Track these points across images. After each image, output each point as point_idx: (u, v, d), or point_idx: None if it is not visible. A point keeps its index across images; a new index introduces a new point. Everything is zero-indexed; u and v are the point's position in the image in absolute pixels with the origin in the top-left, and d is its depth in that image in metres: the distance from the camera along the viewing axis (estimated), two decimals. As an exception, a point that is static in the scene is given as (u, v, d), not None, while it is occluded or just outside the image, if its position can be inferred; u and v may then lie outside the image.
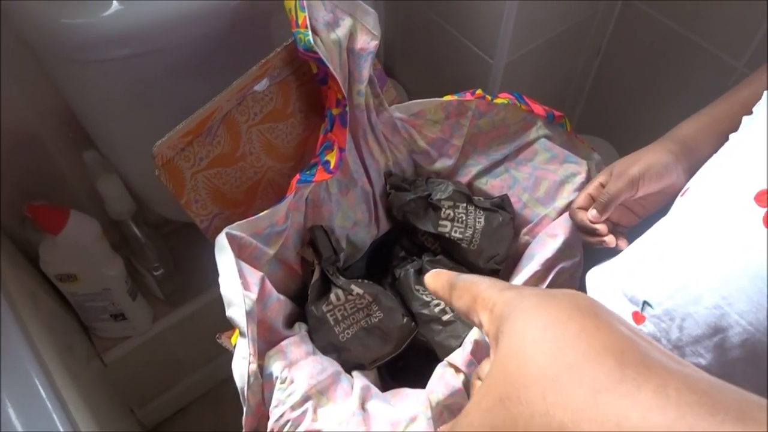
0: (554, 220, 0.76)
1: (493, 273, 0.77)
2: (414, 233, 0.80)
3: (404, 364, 0.75)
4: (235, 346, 0.56)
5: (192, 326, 1.14)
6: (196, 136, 0.61)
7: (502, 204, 0.77)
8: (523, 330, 0.25)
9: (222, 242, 0.59)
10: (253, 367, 0.54)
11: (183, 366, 1.25)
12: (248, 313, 0.55)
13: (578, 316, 0.25)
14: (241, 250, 0.61)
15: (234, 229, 0.61)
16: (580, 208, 0.64)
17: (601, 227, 0.61)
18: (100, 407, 1.00)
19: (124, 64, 0.71)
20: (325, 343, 0.67)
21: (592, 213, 0.61)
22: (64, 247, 0.86)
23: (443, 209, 0.75)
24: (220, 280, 0.57)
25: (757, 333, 0.43)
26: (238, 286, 0.55)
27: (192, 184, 0.62)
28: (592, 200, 0.63)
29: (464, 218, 0.75)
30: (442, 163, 0.80)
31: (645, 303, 0.51)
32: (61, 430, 0.67)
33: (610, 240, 0.61)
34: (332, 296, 0.66)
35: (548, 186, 0.78)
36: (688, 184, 0.55)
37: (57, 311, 0.96)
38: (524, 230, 0.79)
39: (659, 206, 0.62)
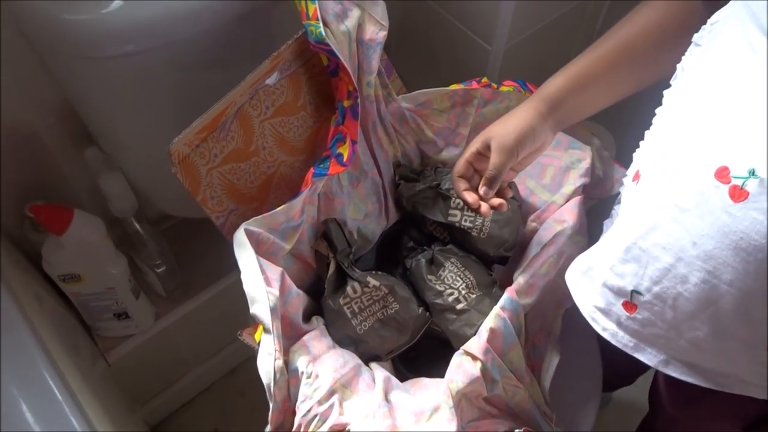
0: (561, 206, 0.77)
1: (503, 260, 0.78)
2: (422, 223, 0.80)
3: (416, 354, 0.76)
4: (259, 343, 0.56)
5: (194, 322, 1.13)
6: (211, 131, 0.61)
7: (509, 191, 0.77)
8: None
9: (241, 238, 0.59)
10: (279, 363, 0.55)
11: (186, 361, 1.25)
12: (272, 310, 0.55)
13: None
14: (258, 246, 0.61)
15: (251, 224, 0.61)
16: (460, 176, 0.66)
17: (472, 201, 0.63)
18: (108, 406, 1.00)
19: (127, 61, 0.70)
20: (342, 336, 0.67)
21: (484, 190, 0.63)
22: (68, 247, 0.85)
23: (452, 198, 0.75)
24: (243, 276, 0.57)
25: (747, 297, 0.45)
26: (261, 283, 0.55)
27: (207, 180, 0.62)
28: (471, 167, 0.66)
29: (474, 207, 0.75)
30: (449, 153, 0.81)
31: (633, 292, 0.52)
32: (80, 430, 0.66)
33: (484, 210, 0.64)
34: (349, 289, 0.66)
35: (554, 172, 0.79)
36: (637, 168, 0.56)
37: (61, 312, 0.95)
38: (531, 217, 0.80)
39: (532, 162, 0.67)
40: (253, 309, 0.56)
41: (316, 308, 0.70)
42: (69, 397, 0.69)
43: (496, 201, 0.65)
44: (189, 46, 0.73)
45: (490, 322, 0.67)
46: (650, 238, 0.50)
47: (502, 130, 0.63)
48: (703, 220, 0.46)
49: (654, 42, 0.61)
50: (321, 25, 0.62)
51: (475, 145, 0.65)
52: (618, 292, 0.54)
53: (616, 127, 1.20)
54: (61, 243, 0.84)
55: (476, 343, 0.66)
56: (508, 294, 0.69)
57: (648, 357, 0.54)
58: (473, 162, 0.66)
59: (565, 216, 0.75)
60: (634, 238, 0.51)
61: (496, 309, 0.68)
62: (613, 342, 0.56)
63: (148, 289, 1.09)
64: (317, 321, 0.67)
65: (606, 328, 0.56)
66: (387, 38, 1.20)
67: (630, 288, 0.52)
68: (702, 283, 0.47)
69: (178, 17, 0.69)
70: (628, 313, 0.54)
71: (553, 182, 0.79)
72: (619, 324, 0.55)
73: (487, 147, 0.64)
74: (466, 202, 0.64)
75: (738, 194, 0.43)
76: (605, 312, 0.56)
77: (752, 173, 0.42)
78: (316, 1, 0.62)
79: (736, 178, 0.43)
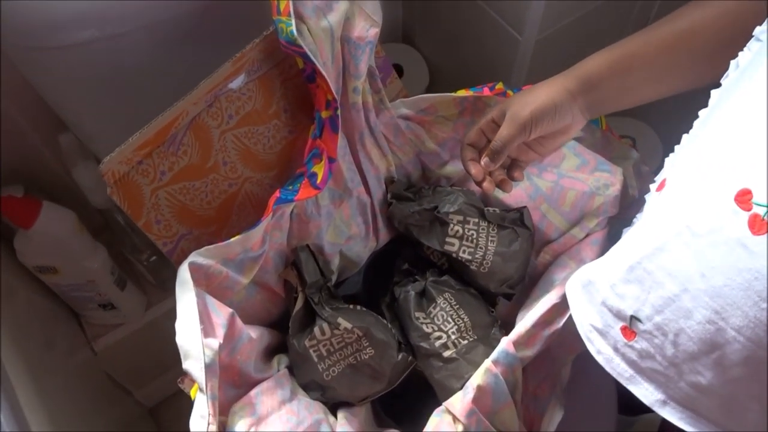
0: (581, 241, 0.66)
1: (506, 297, 0.68)
2: (418, 245, 0.70)
3: (400, 392, 0.67)
4: (194, 401, 0.48)
5: (189, 310, 1.08)
6: (156, 146, 0.52)
7: (520, 219, 0.66)
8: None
9: (184, 276, 0.50)
10: (213, 428, 0.47)
11: (182, 348, 1.20)
12: (207, 367, 0.47)
13: None
14: (209, 280, 0.53)
15: (201, 255, 0.52)
16: (470, 144, 0.60)
17: (476, 172, 0.58)
18: (87, 396, 0.96)
19: (88, 49, 0.61)
20: (307, 380, 0.59)
21: (485, 161, 0.57)
22: (38, 240, 0.79)
23: (451, 225, 0.65)
24: (177, 325, 0.49)
25: (759, 349, 0.39)
26: (196, 335, 0.47)
27: (152, 202, 0.53)
28: (484, 136, 0.60)
29: (475, 236, 0.65)
30: (454, 167, 0.70)
31: (633, 317, 0.47)
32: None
33: (486, 187, 0.59)
34: (316, 330, 0.58)
35: (575, 198, 0.68)
36: (664, 175, 0.50)
37: (38, 302, 0.90)
38: (545, 248, 0.69)
39: (559, 145, 0.60)
40: (186, 364, 0.48)
41: (284, 343, 0.62)
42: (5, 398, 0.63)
43: (500, 177, 0.60)
44: (160, 31, 0.64)
45: (478, 378, 0.57)
46: (657, 260, 0.44)
47: (520, 101, 0.57)
48: (715, 250, 0.40)
49: (723, 33, 0.52)
50: (293, 22, 0.52)
51: (492, 113, 0.59)
52: (617, 314, 0.48)
53: (660, 123, 1.06)
54: (29, 236, 0.78)
55: (460, 402, 0.57)
56: (504, 346, 0.59)
57: (644, 393, 0.48)
58: (487, 132, 0.60)
59: (583, 254, 0.64)
60: (639, 257, 0.46)
61: (488, 363, 0.58)
62: (608, 369, 0.50)
63: (140, 276, 1.03)
64: (278, 363, 0.58)
65: (601, 351, 0.50)
66: (411, 14, 1.07)
67: (630, 312, 0.47)
68: (707, 323, 0.41)
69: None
70: (626, 340, 0.48)
71: (573, 210, 0.67)
72: (615, 350, 0.49)
73: (504, 116, 0.57)
74: (469, 173, 0.59)
75: (758, 225, 0.37)
76: (602, 334, 0.51)
77: None
78: (289, -7, 0.51)
79: (758, 205, 0.37)
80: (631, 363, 0.48)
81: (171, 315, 1.10)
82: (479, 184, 0.59)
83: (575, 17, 0.86)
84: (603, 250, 0.66)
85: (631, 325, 0.47)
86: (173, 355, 1.23)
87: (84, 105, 0.69)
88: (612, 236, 0.70)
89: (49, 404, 0.75)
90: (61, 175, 0.90)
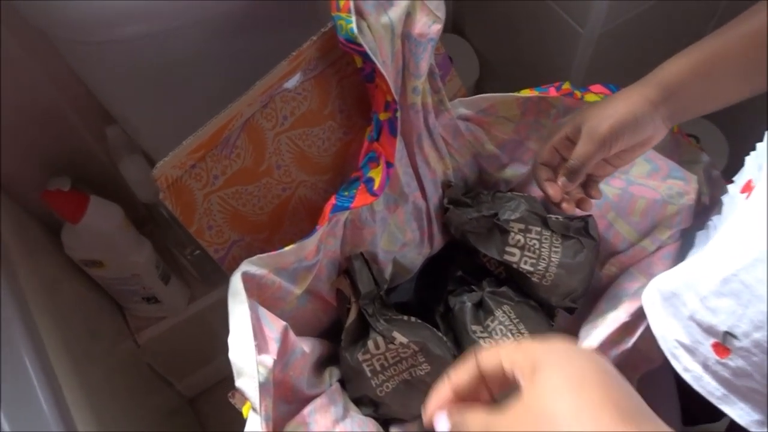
0: (652, 254, 0.62)
1: (568, 311, 0.64)
2: (475, 252, 0.67)
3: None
4: (246, 419, 0.46)
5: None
6: (210, 149, 0.49)
7: (585, 228, 0.62)
8: (552, 381, 0.31)
9: (236, 286, 0.48)
10: (266, 449, 0.45)
11: (223, 341, 1.19)
12: (262, 386, 0.44)
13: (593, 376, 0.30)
14: (261, 290, 0.51)
15: (254, 264, 0.50)
16: (544, 163, 0.56)
17: (554, 194, 0.55)
18: (128, 386, 0.96)
19: (137, 44, 0.59)
20: (359, 395, 0.57)
21: (563, 181, 0.54)
22: (85, 235, 0.78)
23: (512, 233, 0.61)
24: (230, 340, 0.46)
25: None
26: (251, 352, 0.45)
27: (205, 207, 0.51)
28: (557, 154, 0.56)
29: (537, 247, 0.61)
30: (514, 170, 0.66)
31: (727, 334, 0.44)
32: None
33: (566, 208, 0.55)
34: (370, 344, 0.55)
35: (645, 206, 0.63)
36: (749, 177, 0.47)
37: (84, 294, 0.90)
38: (611, 260, 0.65)
39: (636, 157, 0.55)
40: (239, 382, 0.45)
41: (335, 354, 0.59)
42: (51, 395, 0.62)
43: (578, 196, 0.56)
44: (210, 25, 0.61)
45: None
46: (756, 272, 0.41)
47: (597, 114, 0.52)
48: None
49: None
50: (354, 19, 0.48)
51: (565, 129, 0.55)
52: (708, 330, 0.46)
53: (728, 124, 1.00)
54: (77, 231, 0.78)
55: (520, 424, 0.54)
56: (567, 366, 0.55)
57: (738, 413, 0.45)
58: (561, 149, 0.56)
59: (654, 269, 0.60)
60: (735, 269, 0.43)
61: (550, 383, 0.55)
62: (696, 387, 0.48)
63: (183, 269, 1.02)
64: (330, 377, 0.56)
65: (689, 369, 0.48)
66: (461, 6, 1.02)
67: (723, 328, 0.44)
68: None
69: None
70: (718, 357, 0.45)
71: (644, 220, 0.63)
72: (705, 367, 0.47)
73: (579, 132, 0.53)
74: (546, 194, 0.56)
75: None
76: (690, 350, 0.48)
77: None
78: (350, -11, 0.48)
79: None
80: (723, 381, 0.46)
81: (213, 308, 1.10)
82: (557, 205, 0.55)
83: (642, 9, 0.81)
84: (675, 264, 0.61)
85: (724, 342, 0.45)
86: (215, 348, 1.24)
87: (131, 99, 0.67)
88: (683, 243, 0.66)
89: (90, 393, 0.75)
90: (107, 168, 0.90)
